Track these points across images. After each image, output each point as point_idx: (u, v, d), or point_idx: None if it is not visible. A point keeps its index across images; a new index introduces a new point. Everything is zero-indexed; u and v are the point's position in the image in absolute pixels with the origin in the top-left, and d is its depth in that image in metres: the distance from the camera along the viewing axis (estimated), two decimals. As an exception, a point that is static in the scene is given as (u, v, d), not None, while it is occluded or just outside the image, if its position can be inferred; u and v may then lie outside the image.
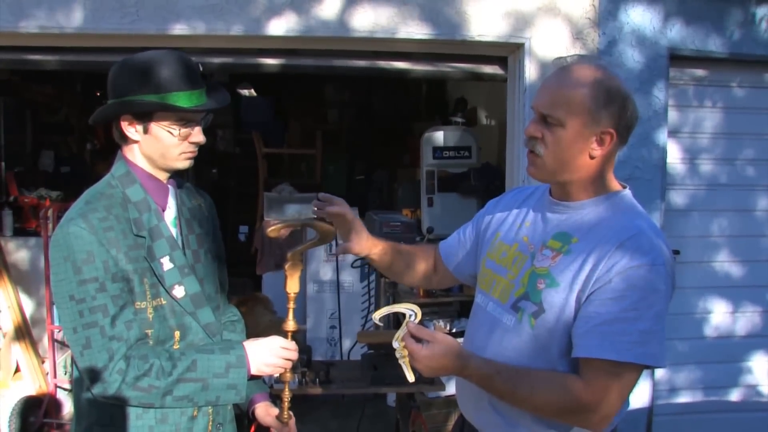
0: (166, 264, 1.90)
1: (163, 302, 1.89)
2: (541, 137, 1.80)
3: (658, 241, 1.74)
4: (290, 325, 2.04)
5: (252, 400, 2.15)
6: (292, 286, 2.06)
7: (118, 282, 1.80)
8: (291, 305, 2.07)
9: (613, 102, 1.76)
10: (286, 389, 2.08)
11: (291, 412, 2.12)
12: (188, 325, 1.93)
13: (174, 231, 1.98)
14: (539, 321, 1.79)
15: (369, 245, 2.18)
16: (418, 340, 1.78)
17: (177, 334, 1.91)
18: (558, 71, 1.83)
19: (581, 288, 1.73)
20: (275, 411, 2.12)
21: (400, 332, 1.82)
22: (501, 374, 1.77)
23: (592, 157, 1.79)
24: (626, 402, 1.81)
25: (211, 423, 1.98)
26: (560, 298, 1.76)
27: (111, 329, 1.77)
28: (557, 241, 1.84)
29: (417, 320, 1.83)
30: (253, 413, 2.16)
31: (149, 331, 1.85)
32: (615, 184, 1.88)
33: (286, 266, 2.05)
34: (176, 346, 1.90)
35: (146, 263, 1.86)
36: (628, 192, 1.89)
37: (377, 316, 1.96)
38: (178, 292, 1.91)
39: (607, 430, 1.80)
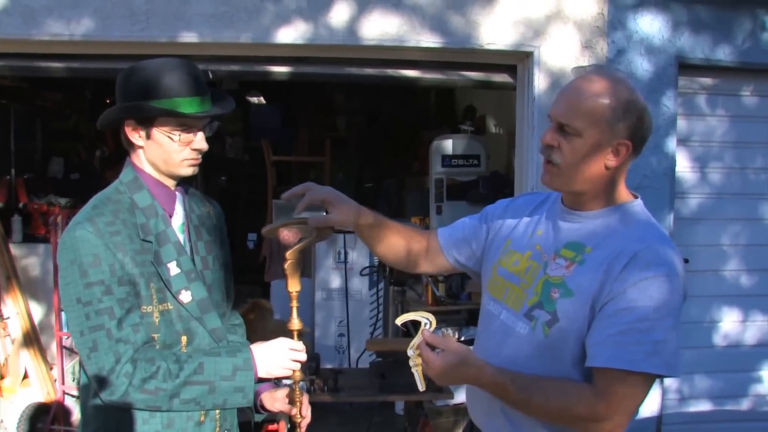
0: (173, 269, 1.91)
1: (170, 307, 1.89)
2: (558, 146, 1.80)
3: (671, 252, 1.74)
4: (295, 323, 2.02)
5: (257, 393, 2.09)
6: (294, 284, 2.05)
7: (125, 285, 1.81)
8: (294, 304, 2.04)
9: (630, 114, 1.76)
10: (297, 389, 2.07)
11: (304, 401, 2.10)
12: (195, 330, 1.93)
13: (181, 237, 1.98)
14: (553, 330, 1.79)
15: (355, 216, 2.04)
16: (433, 348, 1.79)
17: (184, 339, 1.91)
18: (576, 80, 1.83)
19: (595, 298, 1.73)
20: (281, 393, 2.10)
21: (416, 340, 1.82)
22: (515, 383, 1.77)
23: (607, 168, 1.79)
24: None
25: (218, 428, 1.98)
26: (574, 307, 1.76)
27: (118, 332, 1.77)
28: (570, 251, 1.84)
29: (432, 328, 1.84)
30: (262, 406, 2.13)
31: (156, 336, 1.86)
32: (627, 194, 1.88)
33: (286, 265, 2.03)
34: (183, 351, 1.90)
35: (153, 268, 1.87)
36: (639, 202, 1.89)
37: (399, 321, 1.94)
38: (185, 297, 1.91)
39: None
